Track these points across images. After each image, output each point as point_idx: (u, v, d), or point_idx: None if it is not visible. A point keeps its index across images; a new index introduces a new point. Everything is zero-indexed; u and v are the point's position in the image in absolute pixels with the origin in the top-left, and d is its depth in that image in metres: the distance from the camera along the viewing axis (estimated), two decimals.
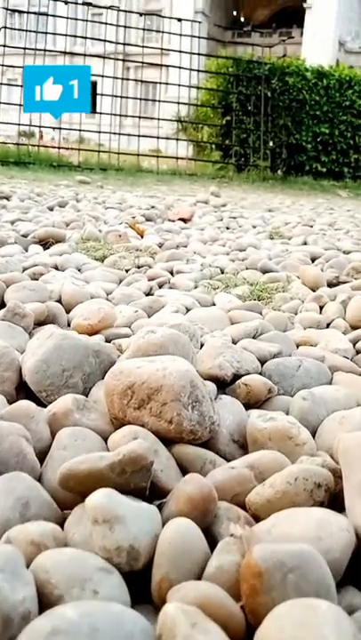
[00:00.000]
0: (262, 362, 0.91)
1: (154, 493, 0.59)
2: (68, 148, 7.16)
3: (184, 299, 1.30)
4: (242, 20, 48.83)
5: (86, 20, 7.18)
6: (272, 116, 7.47)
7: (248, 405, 0.80)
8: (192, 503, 0.51)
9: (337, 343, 1.03)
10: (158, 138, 7.12)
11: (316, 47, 38.28)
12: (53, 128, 7.79)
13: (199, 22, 8.25)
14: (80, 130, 7.05)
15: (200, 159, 7.76)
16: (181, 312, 1.21)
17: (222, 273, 1.74)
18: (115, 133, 6.96)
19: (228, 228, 2.99)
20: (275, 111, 7.48)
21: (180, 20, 7.24)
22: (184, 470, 0.62)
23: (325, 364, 0.94)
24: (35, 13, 7.71)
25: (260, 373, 0.88)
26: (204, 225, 2.89)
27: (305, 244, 2.49)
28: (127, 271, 1.63)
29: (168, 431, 0.63)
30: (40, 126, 7.51)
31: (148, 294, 1.43)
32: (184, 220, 2.92)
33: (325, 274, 1.67)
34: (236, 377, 0.84)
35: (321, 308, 1.34)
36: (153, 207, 3.41)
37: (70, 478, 0.54)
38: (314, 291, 1.50)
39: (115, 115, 6.93)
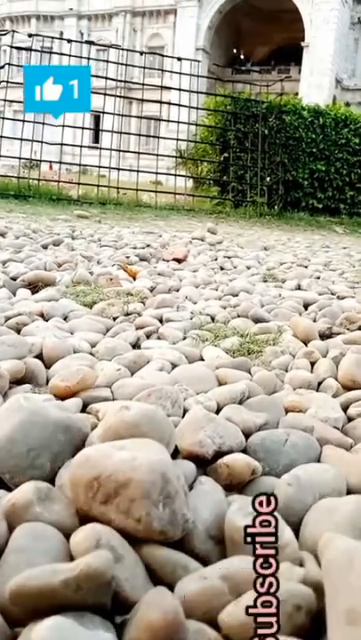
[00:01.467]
0: (247, 434, 0.86)
1: (118, 605, 0.53)
2: (67, 182, 7.22)
3: (170, 353, 1.25)
4: (241, 57, 50.35)
5: (89, 58, 7.35)
6: (269, 153, 7.57)
7: (230, 487, 0.75)
8: (153, 632, 0.45)
9: (327, 411, 0.98)
10: (157, 173, 7.19)
11: (313, 84, 39.45)
12: (53, 162, 7.89)
13: (198, 61, 8.44)
14: (80, 164, 7.12)
15: (198, 195, 7.82)
16: (166, 369, 1.16)
17: (213, 321, 1.69)
18: (114, 168, 7.03)
19: (222, 269, 2.96)
20: (272, 148, 7.59)
21: (180, 59, 7.41)
22: (153, 575, 0.56)
23: (314, 436, 0.88)
24: (39, 51, 7.90)
25: (245, 449, 0.83)
26: (197, 265, 2.87)
27: (299, 287, 2.46)
28: (115, 319, 1.59)
29: (136, 531, 0.58)
30: (41, 160, 7.59)
31: (134, 346, 1.39)
32: (178, 261, 2.90)
33: (318, 324, 1.63)
34: (219, 454, 0.79)
35: (312, 364, 1.29)
36: (148, 245, 3.39)
37: (20, 595, 0.48)
38: (306, 344, 1.46)
39: (115, 150, 7.00)
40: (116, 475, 0.59)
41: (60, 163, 6.92)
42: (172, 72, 7.68)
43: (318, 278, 2.75)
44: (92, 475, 0.60)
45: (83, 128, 7.07)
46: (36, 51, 7.41)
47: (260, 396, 1.02)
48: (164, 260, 2.96)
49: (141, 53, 7.50)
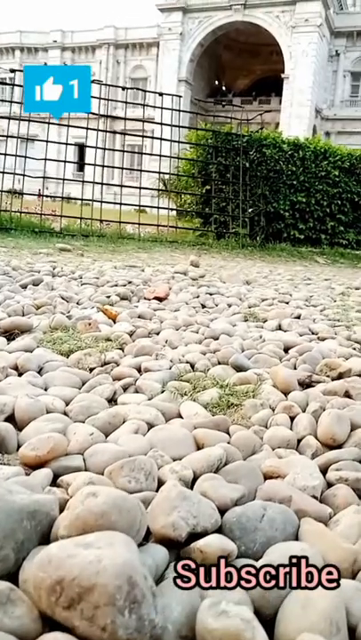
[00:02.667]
0: (223, 510, 0.83)
1: None
2: (50, 214, 7.23)
3: (147, 411, 1.22)
4: (223, 88, 51.66)
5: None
6: (250, 185, 7.69)
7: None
8: None
9: (306, 478, 0.95)
10: (140, 206, 7.24)
11: (293, 114, 40.60)
12: (37, 193, 7.91)
13: (180, 96, 8.62)
14: (62, 197, 7.15)
15: (181, 227, 7.89)
16: (142, 431, 1.13)
17: (193, 369, 1.67)
18: (97, 201, 7.06)
19: (203, 307, 2.96)
20: (253, 181, 7.71)
21: (161, 94, 7.55)
22: None
23: (292, 508, 0.86)
24: (20, 86, 7.97)
25: (221, 527, 0.80)
26: (179, 304, 2.86)
27: (279, 327, 2.46)
28: (92, 370, 1.56)
29: (101, 639, 0.54)
30: (23, 193, 7.61)
31: (111, 400, 1.36)
32: (160, 300, 2.89)
33: (298, 372, 1.62)
34: (193, 535, 0.76)
35: (292, 419, 1.27)
36: (130, 282, 3.38)
37: None
38: (286, 394, 1.44)
39: (98, 184, 7.05)
40: (80, 579, 0.56)
41: (43, 196, 6.93)
42: (154, 107, 7.82)
43: (299, 317, 2.75)
44: (55, 578, 0.57)
45: (65, 161, 7.12)
46: (19, 86, 7.48)
47: (238, 462, 0.99)
48: (145, 298, 2.94)
49: (123, 88, 7.62)
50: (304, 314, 2.82)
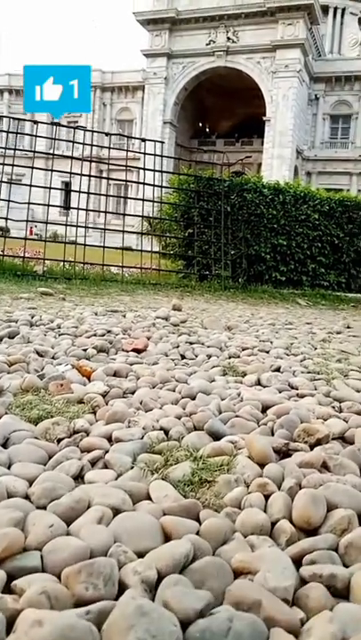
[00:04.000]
0: (186, 623, 0.77)
1: None
2: (32, 258, 7.23)
3: (114, 494, 1.16)
4: (207, 130, 53.16)
5: (53, 139, 7.57)
6: (232, 228, 7.79)
7: None
8: None
9: (278, 577, 0.90)
10: (123, 249, 7.28)
11: (275, 155, 41.85)
12: (29, 233, 7.92)
13: (162, 142, 8.80)
14: (45, 240, 7.16)
15: (164, 269, 7.93)
16: (107, 519, 1.07)
17: (167, 436, 1.62)
18: (80, 244, 7.09)
19: (183, 358, 2.92)
20: (234, 224, 7.82)
21: (143, 140, 7.70)
22: None
23: (262, 615, 0.80)
24: (6, 132, 8.12)
25: None
26: (158, 356, 2.82)
27: (259, 382, 2.42)
28: (60, 441, 1.50)
29: None
30: (6, 236, 7.61)
31: (77, 477, 1.30)
32: (138, 351, 2.85)
33: (275, 439, 1.57)
34: None
35: (267, 497, 1.22)
36: (109, 332, 3.34)
37: None
38: (262, 467, 1.39)
39: (82, 227, 7.09)
40: None
41: (26, 239, 6.94)
42: (137, 152, 7.97)
43: (279, 369, 2.72)
44: None
45: (49, 205, 7.16)
46: (3, 131, 7.62)
47: (207, 559, 0.93)
48: (123, 350, 2.90)
49: (107, 134, 7.76)
50: (284, 366, 2.79)
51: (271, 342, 3.70)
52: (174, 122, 46.50)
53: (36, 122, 7.46)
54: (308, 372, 2.74)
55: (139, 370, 2.40)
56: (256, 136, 47.19)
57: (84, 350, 2.71)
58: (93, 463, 1.38)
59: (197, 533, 1.05)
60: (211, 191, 7.86)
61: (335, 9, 62.56)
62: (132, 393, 2.06)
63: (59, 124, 7.49)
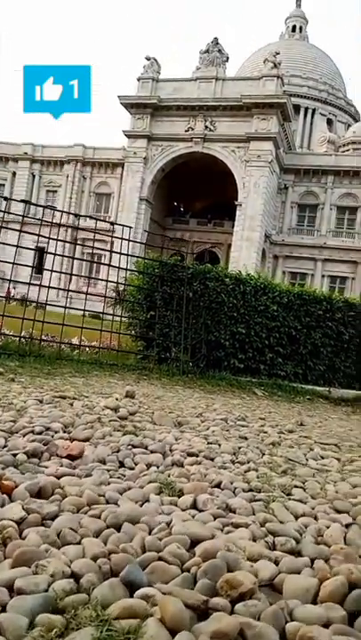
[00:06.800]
0: None
1: None
2: None
3: None
4: (181, 209, 55.22)
5: (36, 204, 7.66)
6: (193, 314, 7.87)
7: None
8: None
9: None
10: (82, 328, 7.22)
11: (245, 237, 43.59)
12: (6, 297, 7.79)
13: (130, 227, 9.02)
14: (3, 315, 7.05)
15: (123, 350, 7.88)
16: None
17: (77, 583, 1.48)
18: (40, 321, 7.00)
19: (121, 466, 2.79)
20: (196, 310, 7.91)
21: (112, 224, 7.89)
22: None
23: None
24: None
25: None
26: (93, 464, 2.68)
27: (195, 504, 2.30)
28: None
29: None
30: None
31: None
32: (72, 458, 2.71)
33: (193, 595, 1.45)
34: None
35: None
36: (48, 429, 3.20)
37: None
38: (173, 634, 1.27)
39: (50, 304, 7.04)
40: None
41: (7, 298, 6.82)
42: (111, 237, 8.15)
43: (219, 485, 2.62)
44: None
45: (31, 273, 7.11)
46: None
47: None
48: (58, 455, 2.75)
49: (82, 217, 7.90)
50: (225, 482, 2.68)
51: (219, 445, 3.60)
52: (150, 199, 48.30)
53: (6, 198, 7.57)
54: (250, 490, 2.64)
55: (67, 487, 2.25)
56: (228, 218, 49.30)
57: (14, 456, 2.56)
58: None
59: None
60: (175, 277, 8.01)
61: (306, 109, 68.04)
62: (53, 519, 1.91)
63: (28, 202, 7.61)
